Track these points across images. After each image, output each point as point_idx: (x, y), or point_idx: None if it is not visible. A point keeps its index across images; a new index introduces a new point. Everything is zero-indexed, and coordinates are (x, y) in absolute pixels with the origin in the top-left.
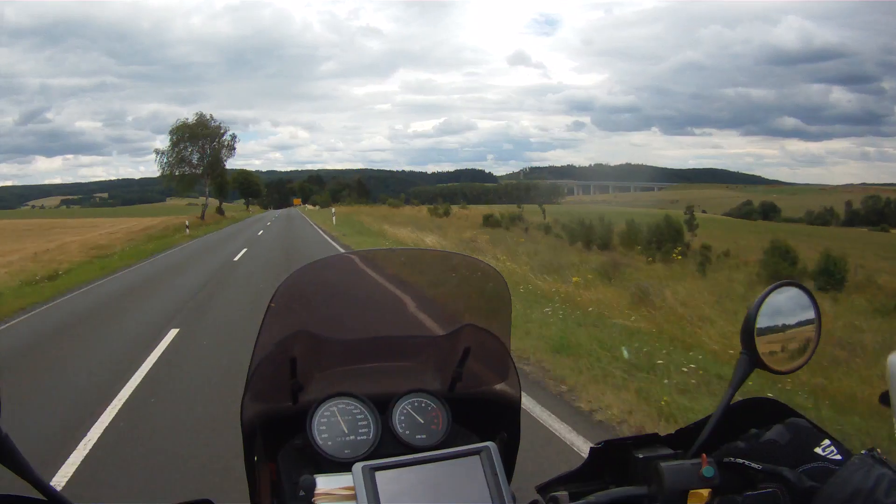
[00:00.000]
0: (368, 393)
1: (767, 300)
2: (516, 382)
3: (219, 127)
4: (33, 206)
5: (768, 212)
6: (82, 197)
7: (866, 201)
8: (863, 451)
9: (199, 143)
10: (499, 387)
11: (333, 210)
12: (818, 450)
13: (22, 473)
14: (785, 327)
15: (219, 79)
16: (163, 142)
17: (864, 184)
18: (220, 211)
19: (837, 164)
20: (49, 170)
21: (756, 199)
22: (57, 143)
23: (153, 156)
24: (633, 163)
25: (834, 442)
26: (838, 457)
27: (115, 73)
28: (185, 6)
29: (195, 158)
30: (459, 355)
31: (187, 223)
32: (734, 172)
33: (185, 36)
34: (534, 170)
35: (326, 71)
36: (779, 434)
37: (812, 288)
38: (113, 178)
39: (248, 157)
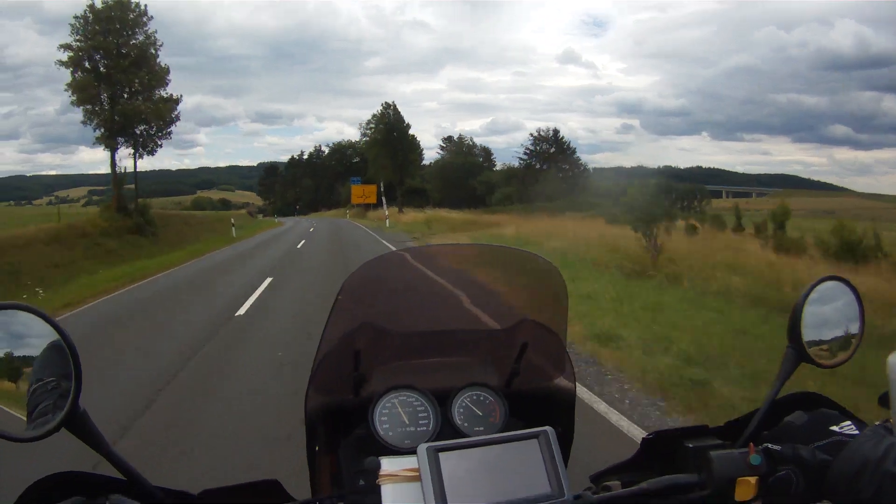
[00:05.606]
0: (428, 386)
1: (813, 295)
2: (571, 376)
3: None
4: (55, 198)
5: None
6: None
7: None
8: (876, 423)
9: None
10: (554, 381)
11: None
12: (834, 427)
13: (99, 450)
14: (830, 322)
15: (261, 72)
16: (207, 135)
17: None
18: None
19: (886, 173)
20: (93, 160)
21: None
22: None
23: (197, 149)
24: (681, 167)
25: (856, 421)
26: (854, 431)
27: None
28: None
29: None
30: (517, 350)
31: None
32: (805, 179)
33: (226, 29)
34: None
35: (372, 67)
36: (797, 417)
37: None
38: (157, 168)
39: (295, 151)
